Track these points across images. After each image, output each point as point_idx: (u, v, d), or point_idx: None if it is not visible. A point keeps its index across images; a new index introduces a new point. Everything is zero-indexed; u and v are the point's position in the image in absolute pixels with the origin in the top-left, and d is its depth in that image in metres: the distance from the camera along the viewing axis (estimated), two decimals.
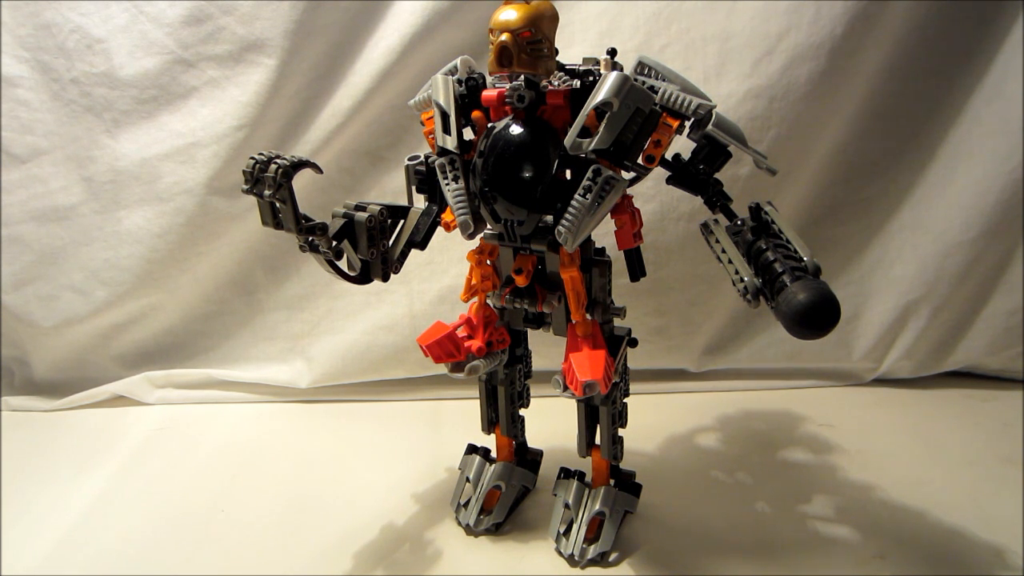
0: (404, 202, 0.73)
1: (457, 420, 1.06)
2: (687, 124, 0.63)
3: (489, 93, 0.66)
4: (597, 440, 0.78)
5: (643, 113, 0.60)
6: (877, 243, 1.14)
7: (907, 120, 1.08)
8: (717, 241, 0.63)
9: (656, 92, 0.61)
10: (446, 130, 0.65)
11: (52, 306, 1.18)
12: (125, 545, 0.82)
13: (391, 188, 1.14)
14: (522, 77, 0.63)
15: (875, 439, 0.99)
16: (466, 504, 0.82)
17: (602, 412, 0.75)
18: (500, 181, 0.64)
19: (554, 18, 0.62)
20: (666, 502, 0.85)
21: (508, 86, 0.65)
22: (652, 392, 1.14)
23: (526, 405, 0.86)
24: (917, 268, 1.11)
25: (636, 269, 0.70)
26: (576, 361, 0.65)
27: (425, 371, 1.17)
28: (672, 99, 0.61)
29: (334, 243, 0.65)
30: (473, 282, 0.72)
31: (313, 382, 1.18)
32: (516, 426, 0.84)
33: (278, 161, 0.60)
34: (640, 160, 0.62)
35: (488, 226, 0.69)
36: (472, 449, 0.87)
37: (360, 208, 0.67)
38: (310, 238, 0.63)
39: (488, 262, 0.72)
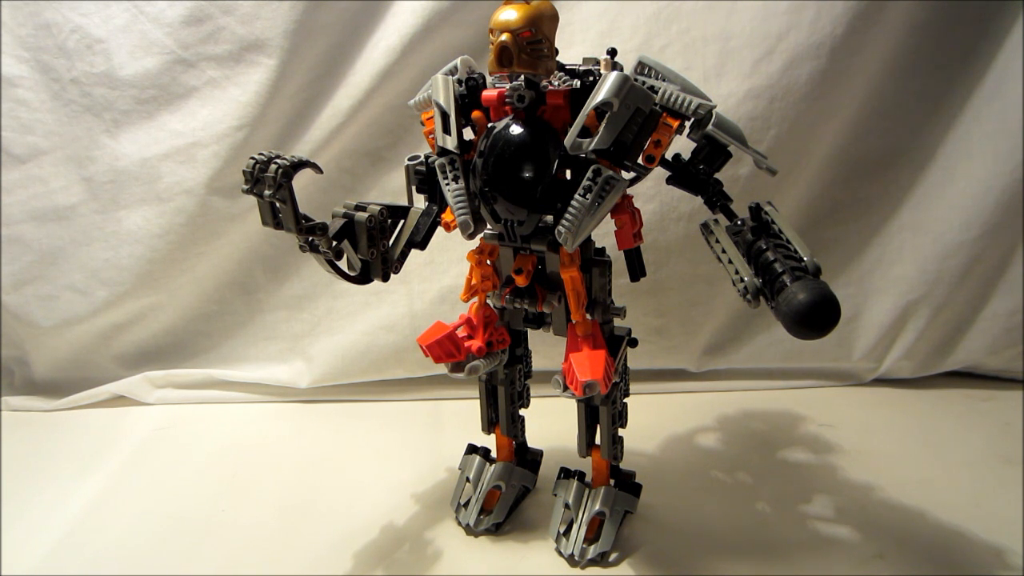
0: (404, 202, 0.73)
1: (457, 420, 1.06)
2: (687, 124, 0.63)
3: (489, 93, 0.66)
4: (597, 440, 0.78)
5: (643, 113, 0.60)
6: (877, 243, 1.14)
7: (907, 120, 1.08)
8: (717, 241, 0.63)
9: (656, 92, 0.61)
10: (446, 130, 0.65)
11: (52, 306, 1.18)
12: (125, 545, 0.82)
13: (391, 188, 1.14)
14: (522, 77, 0.63)
15: (875, 439, 0.99)
16: (466, 504, 0.82)
17: (602, 412, 0.75)
18: (500, 181, 0.64)
19: (554, 18, 0.62)
20: (666, 502, 0.85)
21: (508, 86, 0.65)
22: (652, 392, 1.14)
23: (526, 405, 0.86)
24: (917, 268, 1.11)
25: (636, 269, 0.70)
26: (576, 361, 0.64)
27: (425, 371, 1.17)
28: (672, 99, 0.61)
29: (334, 243, 0.65)
30: (473, 282, 0.72)
31: (313, 382, 1.18)
32: (516, 426, 0.84)
33: (278, 161, 0.60)
34: (640, 160, 0.62)
35: (488, 226, 0.69)
36: (472, 449, 0.87)
37: (360, 208, 0.67)
38: (310, 238, 0.63)
39: (488, 262, 0.72)
